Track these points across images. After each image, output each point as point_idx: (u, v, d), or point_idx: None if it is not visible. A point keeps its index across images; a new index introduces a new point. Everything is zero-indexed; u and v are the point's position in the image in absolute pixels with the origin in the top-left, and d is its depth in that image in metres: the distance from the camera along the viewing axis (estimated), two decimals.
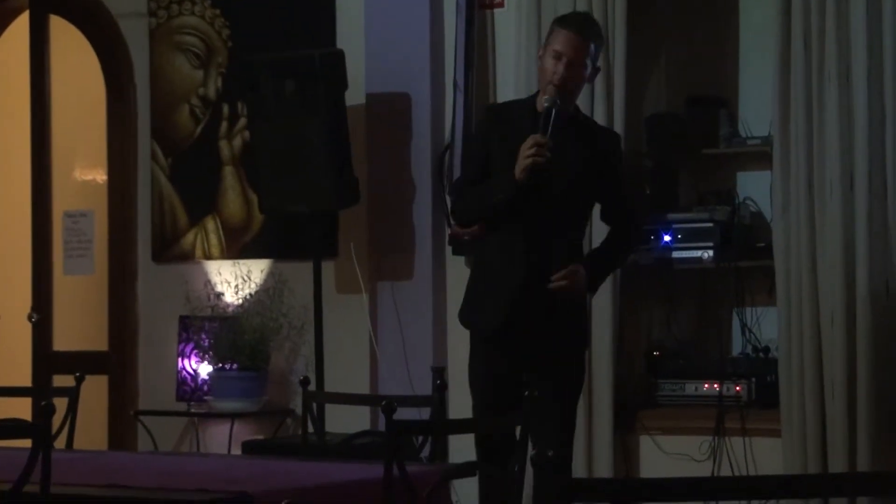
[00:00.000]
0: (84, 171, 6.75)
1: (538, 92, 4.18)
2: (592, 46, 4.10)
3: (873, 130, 4.96)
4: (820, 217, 5.03)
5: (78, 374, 4.05)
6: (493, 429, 4.14)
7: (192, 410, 5.98)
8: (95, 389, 5.95)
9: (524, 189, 4.03)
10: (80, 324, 6.59)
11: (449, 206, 4.32)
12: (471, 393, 4.25)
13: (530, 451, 3.23)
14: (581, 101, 5.35)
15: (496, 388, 4.11)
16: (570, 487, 2.06)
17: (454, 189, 4.38)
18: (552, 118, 4.00)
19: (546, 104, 4.03)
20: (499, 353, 4.13)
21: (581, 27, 4.10)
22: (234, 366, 5.77)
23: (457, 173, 5.51)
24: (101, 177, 6.60)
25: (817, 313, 5.02)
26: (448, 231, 5.68)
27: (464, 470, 3.41)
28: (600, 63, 4.25)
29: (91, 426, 5.74)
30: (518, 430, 3.31)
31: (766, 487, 2.24)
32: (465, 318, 4.26)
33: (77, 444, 4.11)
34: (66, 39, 6.55)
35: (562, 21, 4.16)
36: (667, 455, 5.32)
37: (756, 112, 5.42)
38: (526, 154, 3.97)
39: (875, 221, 4.98)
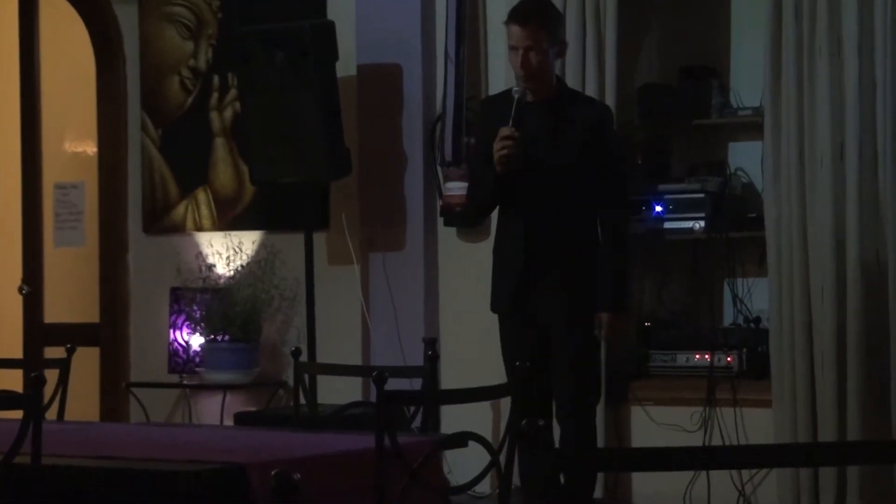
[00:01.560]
0: (74, 143, 6.73)
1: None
2: (543, 30, 4.26)
3: (864, 101, 4.96)
4: (811, 188, 5.04)
5: (69, 346, 4.05)
6: (481, 399, 4.15)
7: (184, 382, 5.99)
8: (87, 361, 5.95)
9: (513, 178, 4.19)
10: (71, 296, 6.59)
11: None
12: (505, 369, 4.43)
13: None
14: (572, 72, 5.36)
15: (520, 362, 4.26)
16: (560, 458, 2.07)
17: (469, 190, 4.56)
18: (519, 109, 4.19)
19: (514, 96, 4.23)
20: (516, 329, 4.34)
21: (526, 18, 4.27)
22: (226, 337, 5.77)
23: (448, 144, 5.51)
24: (91, 148, 6.58)
25: (808, 284, 5.03)
26: (440, 202, 5.68)
27: (455, 440, 3.42)
28: (564, 37, 4.45)
29: (83, 398, 5.75)
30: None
31: (756, 457, 2.24)
32: (492, 303, 4.47)
33: (68, 417, 4.11)
34: (56, 11, 6.51)
35: (509, 16, 4.33)
36: (658, 425, 5.34)
37: (748, 83, 5.41)
38: (497, 148, 4.17)
39: (865, 192, 4.98)
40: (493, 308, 4.44)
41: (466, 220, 4.55)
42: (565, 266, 4.27)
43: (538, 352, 4.26)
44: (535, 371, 4.10)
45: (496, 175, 4.21)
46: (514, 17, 4.30)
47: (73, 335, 5.58)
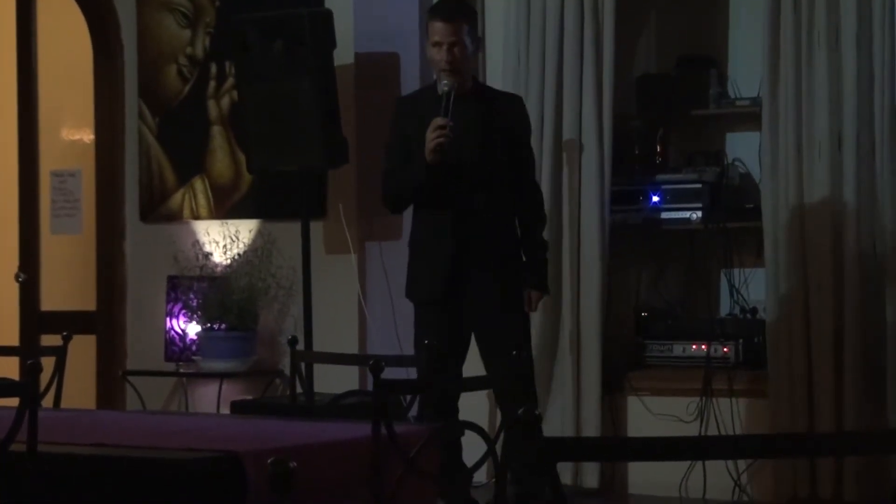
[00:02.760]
0: (71, 131, 6.71)
1: (435, 80, 4.48)
2: (465, 26, 4.45)
3: (861, 92, 4.95)
4: (808, 178, 5.04)
5: (65, 334, 4.04)
6: (478, 388, 4.15)
7: (181, 370, 5.99)
8: (83, 349, 5.94)
9: (443, 168, 4.36)
10: (68, 283, 6.58)
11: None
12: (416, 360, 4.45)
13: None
14: (571, 63, 5.36)
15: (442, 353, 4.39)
16: (555, 446, 2.07)
17: (382, 180, 4.62)
18: (451, 101, 4.35)
19: (445, 89, 4.37)
20: (443, 320, 4.43)
21: (450, 14, 4.44)
22: (223, 326, 5.76)
23: None
24: (88, 136, 6.56)
25: (805, 274, 5.03)
26: None
27: (453, 429, 3.42)
28: (479, 34, 4.68)
29: (79, 386, 5.74)
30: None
31: (752, 447, 2.24)
32: (408, 292, 4.59)
33: (65, 405, 4.11)
34: None
35: (432, 13, 4.51)
36: (654, 416, 5.34)
37: (746, 73, 5.41)
38: (431, 137, 4.32)
39: (863, 183, 4.98)
40: (416, 296, 4.52)
41: (390, 204, 4.63)
42: (493, 253, 4.44)
43: (458, 340, 4.42)
44: (448, 358, 4.31)
45: (427, 165, 4.35)
46: (439, 13, 4.47)
47: (69, 323, 5.56)
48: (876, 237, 4.98)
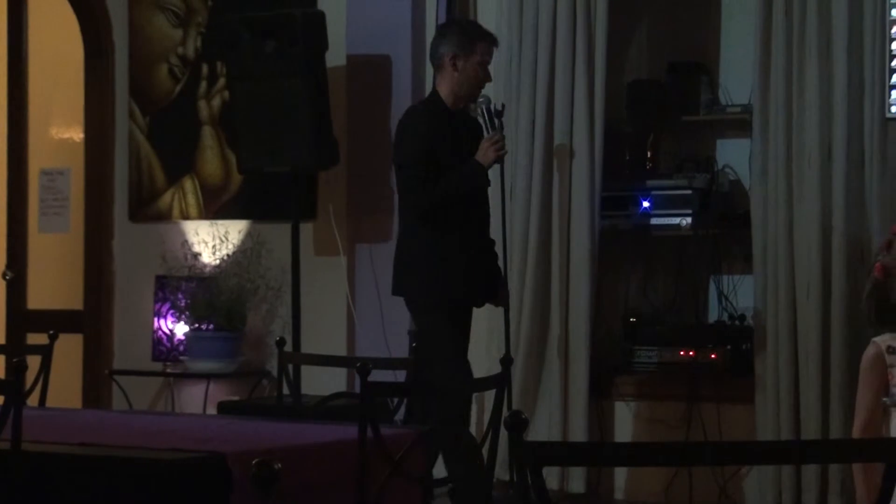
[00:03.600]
0: (61, 129, 6.70)
1: (434, 95, 4.72)
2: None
3: (852, 101, 4.96)
4: (798, 186, 5.04)
5: (51, 332, 4.03)
6: (470, 392, 4.15)
7: (168, 370, 5.97)
8: (70, 348, 5.93)
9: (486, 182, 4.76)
10: (55, 282, 6.56)
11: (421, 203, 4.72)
12: (445, 357, 4.53)
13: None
14: (562, 68, 5.36)
15: (464, 349, 4.69)
16: (541, 451, 2.07)
17: (420, 186, 4.67)
18: (491, 116, 4.75)
19: (485, 105, 4.76)
20: (462, 320, 4.70)
21: (494, 38, 4.82)
22: (211, 326, 5.75)
23: None
24: (78, 135, 6.55)
25: (793, 282, 5.04)
26: None
27: (439, 433, 3.41)
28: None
29: (65, 385, 5.73)
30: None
31: (738, 453, 2.25)
32: (442, 292, 4.61)
33: (50, 403, 4.09)
34: None
35: (482, 35, 4.77)
36: (641, 421, 5.34)
37: (736, 80, 5.42)
38: (497, 148, 4.66)
39: (852, 192, 4.99)
40: (451, 298, 4.66)
41: (436, 206, 4.73)
42: (493, 272, 4.82)
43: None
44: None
45: (486, 171, 4.70)
46: (489, 36, 4.78)
47: (56, 322, 5.54)
48: (864, 246, 4.99)
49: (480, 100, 4.75)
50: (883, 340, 2.95)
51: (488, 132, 4.71)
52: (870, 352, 2.95)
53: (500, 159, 4.70)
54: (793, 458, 2.29)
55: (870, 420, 2.90)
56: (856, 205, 4.99)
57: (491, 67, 4.80)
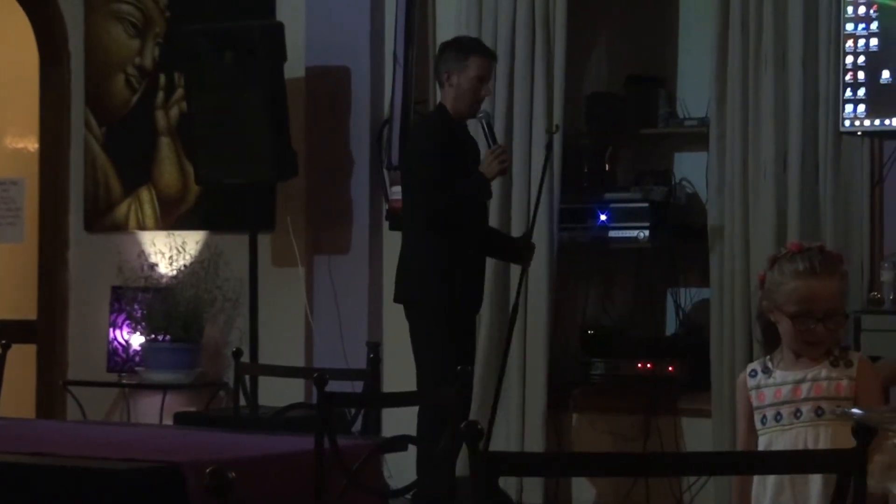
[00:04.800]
0: (15, 139, 6.64)
1: (442, 108, 4.79)
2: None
3: (807, 114, 5.01)
4: (754, 198, 5.08)
5: (4, 342, 3.99)
6: (427, 402, 4.15)
7: (123, 381, 5.93)
8: (23, 359, 5.86)
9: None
10: (8, 292, 6.50)
11: (436, 206, 4.76)
12: (432, 363, 4.61)
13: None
14: (521, 80, 5.38)
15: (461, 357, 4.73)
16: (497, 461, 2.06)
17: (432, 190, 4.73)
18: (491, 129, 4.85)
19: (485, 119, 4.83)
20: (463, 326, 4.78)
21: (493, 54, 4.90)
22: (167, 337, 5.72)
23: (395, 148, 5.50)
24: (32, 145, 6.50)
25: (749, 295, 5.07)
26: (385, 206, 5.67)
27: (395, 444, 3.41)
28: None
29: (18, 396, 5.66)
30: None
31: (695, 465, 2.25)
32: (442, 296, 4.70)
33: (2, 413, 4.04)
34: None
35: (485, 50, 4.84)
36: (599, 433, 5.35)
37: (694, 93, 5.45)
38: (501, 160, 4.75)
39: (806, 204, 5.03)
40: (454, 303, 4.73)
41: (435, 221, 4.79)
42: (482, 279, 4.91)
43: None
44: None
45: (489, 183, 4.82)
46: (487, 51, 4.86)
47: (8, 332, 5.48)
48: None
49: (480, 114, 4.80)
50: (750, 365, 2.97)
51: (489, 146, 4.77)
52: (739, 378, 2.98)
53: (503, 172, 4.78)
54: (749, 468, 2.30)
55: (745, 446, 2.92)
56: (810, 217, 5.03)
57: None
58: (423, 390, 4.53)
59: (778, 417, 2.86)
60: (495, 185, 5.05)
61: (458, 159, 4.72)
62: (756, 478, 2.83)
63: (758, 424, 2.89)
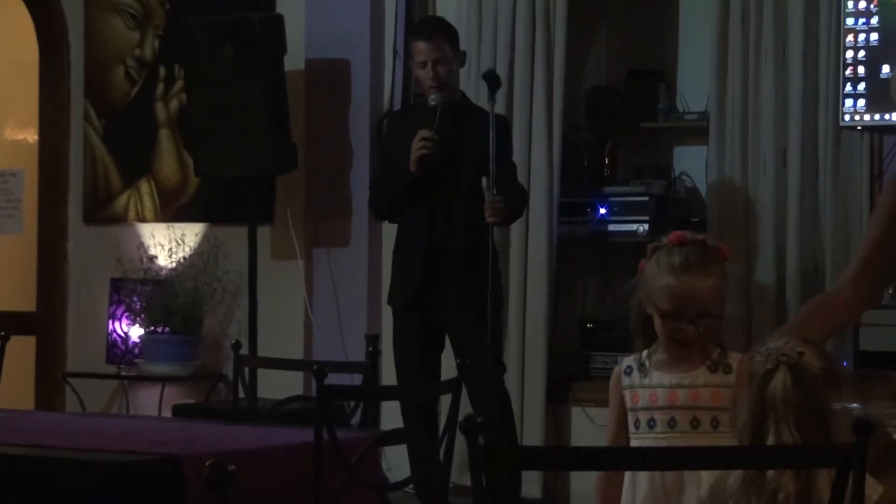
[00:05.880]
0: (14, 131, 6.64)
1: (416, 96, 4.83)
2: (446, 43, 4.66)
3: (807, 108, 5.01)
4: (753, 193, 5.08)
5: (2, 334, 3.99)
6: (425, 396, 4.15)
7: (122, 373, 5.93)
8: (22, 350, 5.86)
9: (422, 178, 4.58)
10: (7, 284, 6.50)
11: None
12: (396, 365, 4.64)
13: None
14: (521, 75, 5.38)
15: (419, 356, 4.65)
16: (495, 455, 2.07)
17: (370, 189, 4.87)
18: (438, 114, 4.58)
19: (433, 103, 4.60)
20: (417, 321, 4.65)
21: (429, 33, 4.68)
22: (166, 329, 5.72)
23: None
24: (32, 136, 6.49)
25: (748, 289, 5.07)
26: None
27: (394, 437, 3.41)
28: (462, 49, 4.81)
29: (17, 388, 5.67)
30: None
31: (694, 458, 2.25)
32: (389, 296, 4.81)
33: (1, 405, 4.05)
34: None
35: (413, 34, 4.75)
36: (598, 427, 5.35)
37: (694, 87, 5.45)
38: (415, 148, 4.55)
39: (806, 199, 5.03)
40: (393, 300, 4.76)
41: (376, 212, 4.95)
42: (461, 260, 4.59)
43: (432, 340, 4.66)
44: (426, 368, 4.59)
45: (410, 174, 4.57)
46: (419, 33, 4.70)
47: (8, 324, 5.49)
48: (818, 253, 5.04)
49: (433, 97, 4.60)
50: (627, 359, 2.74)
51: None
52: (614, 370, 2.74)
53: (420, 159, 4.54)
54: (747, 463, 2.30)
55: (614, 441, 2.71)
56: (810, 212, 5.03)
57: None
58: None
59: (651, 423, 2.66)
60: None
61: (407, 146, 4.58)
62: (626, 485, 2.63)
63: (631, 427, 2.69)
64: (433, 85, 4.61)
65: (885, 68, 4.84)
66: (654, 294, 2.69)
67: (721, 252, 2.75)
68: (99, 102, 6.20)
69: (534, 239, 5.35)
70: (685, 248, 2.71)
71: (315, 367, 3.08)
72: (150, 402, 5.75)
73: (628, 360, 2.74)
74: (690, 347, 2.68)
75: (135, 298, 5.87)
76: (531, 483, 5.32)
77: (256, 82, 5.38)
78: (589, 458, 2.15)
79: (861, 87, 4.85)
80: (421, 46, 4.63)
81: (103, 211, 6.18)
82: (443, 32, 4.69)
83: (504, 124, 4.79)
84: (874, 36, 4.84)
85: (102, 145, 6.20)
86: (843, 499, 2.12)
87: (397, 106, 5.51)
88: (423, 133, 4.55)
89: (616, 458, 2.22)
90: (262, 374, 5.16)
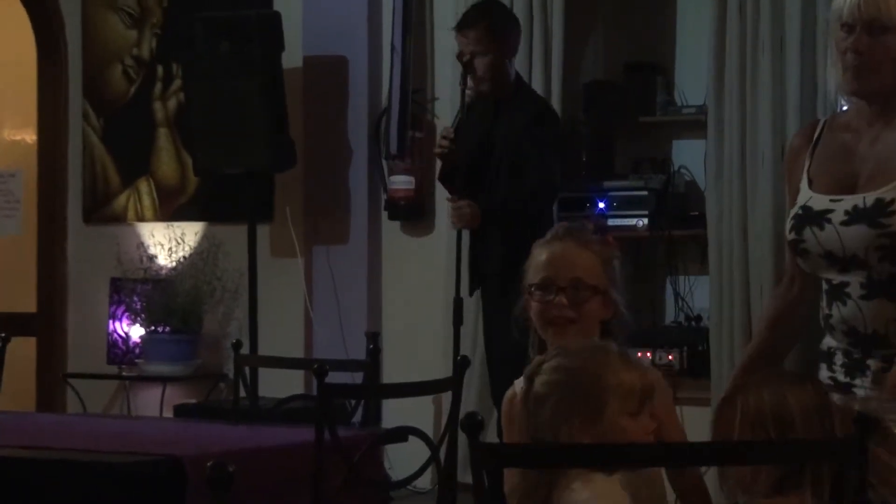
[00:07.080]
0: (12, 131, 6.64)
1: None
2: (484, 34, 4.48)
3: (805, 100, 5.01)
4: (752, 186, 5.08)
5: (3, 335, 3.99)
6: (422, 394, 4.15)
7: (123, 373, 5.93)
8: (23, 351, 5.86)
9: (465, 172, 4.52)
10: (7, 284, 6.50)
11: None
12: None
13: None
14: (519, 68, 5.35)
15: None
16: (497, 452, 2.07)
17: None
18: (460, 112, 4.57)
19: (466, 100, 4.57)
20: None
21: (463, 25, 4.54)
22: (167, 329, 5.72)
23: (393, 138, 5.51)
24: (30, 136, 6.49)
25: (748, 283, 5.07)
26: (384, 196, 5.66)
27: (395, 435, 3.41)
28: (515, 34, 4.69)
29: (18, 389, 5.66)
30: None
31: (693, 454, 2.25)
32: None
33: (2, 407, 4.05)
34: None
35: (457, 26, 4.59)
36: None
37: (692, 81, 5.45)
38: (435, 146, 4.65)
39: None
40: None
41: None
42: (492, 253, 4.53)
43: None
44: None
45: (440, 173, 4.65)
46: (457, 25, 4.59)
47: (8, 325, 5.49)
48: None
49: (468, 90, 4.55)
50: (518, 382, 2.28)
51: None
52: (505, 397, 2.34)
53: (442, 157, 4.60)
54: (748, 458, 2.30)
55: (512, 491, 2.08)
56: None
57: (445, 66, 4.78)
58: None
59: None
60: None
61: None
62: None
63: None
64: (472, 74, 4.49)
65: None
66: (528, 276, 2.42)
67: (600, 233, 2.50)
68: (97, 102, 6.20)
69: None
70: (562, 223, 2.53)
71: (315, 366, 3.08)
72: (151, 402, 5.75)
73: (520, 383, 2.28)
74: (565, 329, 2.38)
75: (135, 298, 5.87)
76: None
77: (254, 79, 5.38)
78: (589, 458, 2.15)
79: None
80: (458, 39, 4.56)
81: (102, 210, 6.18)
82: (479, 24, 4.53)
83: (539, 117, 4.60)
84: None
85: (101, 145, 6.19)
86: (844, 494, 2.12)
87: (395, 103, 5.50)
88: (443, 131, 4.60)
89: (618, 455, 2.22)
90: (263, 373, 5.15)
